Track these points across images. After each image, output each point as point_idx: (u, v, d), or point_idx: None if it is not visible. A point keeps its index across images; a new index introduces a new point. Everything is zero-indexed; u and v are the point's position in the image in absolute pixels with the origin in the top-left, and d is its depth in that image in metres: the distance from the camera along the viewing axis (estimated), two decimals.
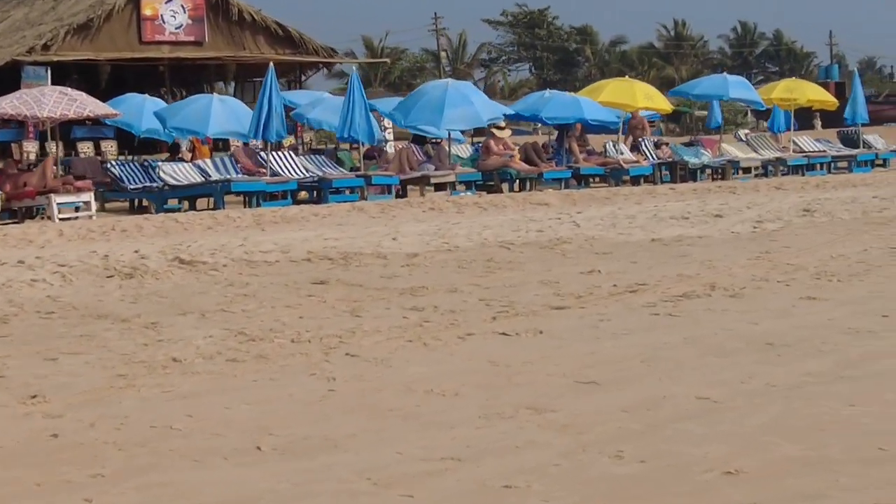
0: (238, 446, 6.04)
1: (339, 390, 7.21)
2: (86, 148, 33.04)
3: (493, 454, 5.84)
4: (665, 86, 53.60)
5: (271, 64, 23.59)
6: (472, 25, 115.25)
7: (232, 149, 29.64)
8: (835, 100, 32.32)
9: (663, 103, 28.53)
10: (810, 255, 12.78)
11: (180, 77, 39.41)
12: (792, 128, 31.36)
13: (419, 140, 29.49)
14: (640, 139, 28.55)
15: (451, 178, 24.22)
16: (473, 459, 5.75)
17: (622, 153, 27.49)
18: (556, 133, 28.61)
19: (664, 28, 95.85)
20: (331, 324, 9.34)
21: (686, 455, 5.75)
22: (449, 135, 25.71)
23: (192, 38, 36.51)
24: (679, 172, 27.87)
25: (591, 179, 27.31)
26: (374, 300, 10.44)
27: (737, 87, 29.97)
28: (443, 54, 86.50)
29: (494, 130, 25.65)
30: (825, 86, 56.27)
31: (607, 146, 27.94)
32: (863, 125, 33.23)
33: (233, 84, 40.39)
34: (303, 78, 40.42)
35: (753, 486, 5.31)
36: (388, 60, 63.19)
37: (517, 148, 25.79)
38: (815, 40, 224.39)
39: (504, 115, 27.39)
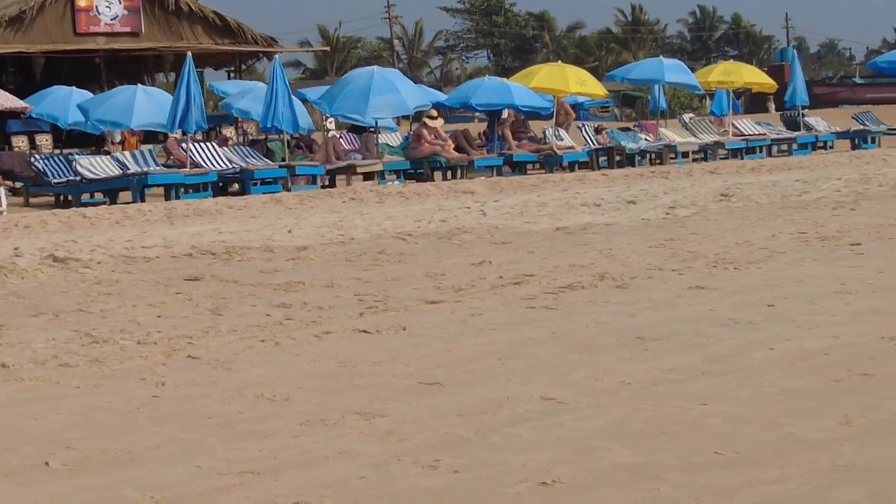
0: (27, 462, 5.59)
1: (163, 396, 6.75)
2: (20, 142, 32.48)
3: (297, 466, 5.41)
4: None
5: (189, 54, 23.10)
6: (429, 13, 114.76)
7: (168, 140, 29.09)
8: (773, 82, 31.93)
9: (597, 88, 27.98)
10: (713, 242, 12.38)
11: (117, 69, 38.83)
12: (731, 111, 30.96)
13: (357, 129, 29.01)
14: (565, 123, 28.06)
15: (379, 168, 23.76)
16: (274, 472, 5.32)
17: (562, 139, 27.04)
18: None
19: (621, 13, 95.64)
20: (187, 323, 8.86)
21: (505, 464, 5.35)
22: (376, 123, 25.20)
23: (128, 29, 36.00)
24: (616, 158, 27.44)
25: (528, 166, 26.82)
26: (243, 297, 9.95)
27: (673, 70, 29.47)
28: (398, 42, 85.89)
29: (427, 119, 25.16)
30: (780, 69, 56.06)
31: (547, 132, 27.47)
32: (809, 108, 32.96)
33: (172, 75, 39.83)
34: (243, 67, 39.88)
35: (566, 497, 4.94)
36: (328, 49, 62.51)
37: (450, 136, 25.31)
38: (774, 24, 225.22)
39: (440, 102, 26.86)
